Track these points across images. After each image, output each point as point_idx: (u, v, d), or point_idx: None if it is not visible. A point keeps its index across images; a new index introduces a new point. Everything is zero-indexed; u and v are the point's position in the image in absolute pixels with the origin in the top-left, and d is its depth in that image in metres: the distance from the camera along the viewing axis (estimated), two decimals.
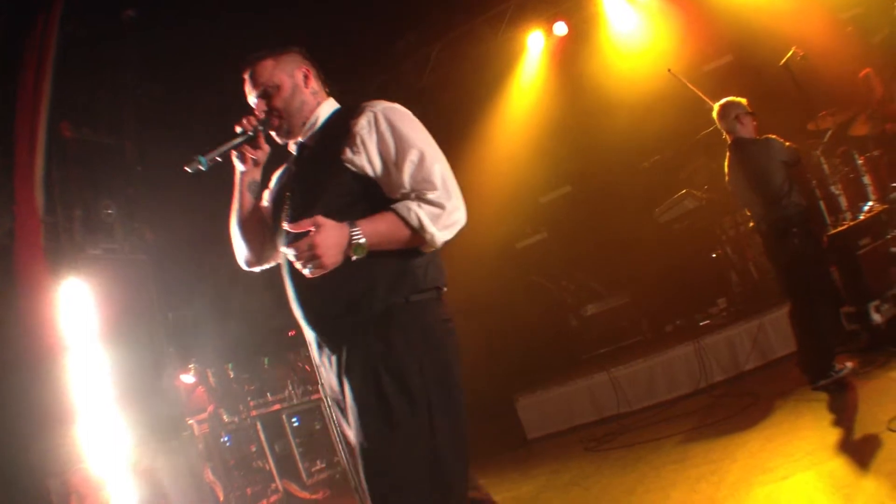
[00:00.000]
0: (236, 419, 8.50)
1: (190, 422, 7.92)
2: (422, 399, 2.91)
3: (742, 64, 10.46)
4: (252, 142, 3.31)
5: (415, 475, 2.85)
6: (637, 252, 10.33)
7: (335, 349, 3.09)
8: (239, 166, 3.38)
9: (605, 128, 10.81)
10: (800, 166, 6.87)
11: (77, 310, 6.92)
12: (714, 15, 10.34)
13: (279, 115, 3.32)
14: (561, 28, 11.06)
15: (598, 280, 10.81)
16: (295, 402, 8.92)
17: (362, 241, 2.89)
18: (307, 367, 8.47)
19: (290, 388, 8.98)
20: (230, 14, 7.96)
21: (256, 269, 3.61)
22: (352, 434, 3.02)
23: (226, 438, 8.46)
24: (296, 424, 8.84)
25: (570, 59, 11.30)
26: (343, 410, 3.16)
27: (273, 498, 8.21)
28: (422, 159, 3.04)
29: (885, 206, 7.45)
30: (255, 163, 3.38)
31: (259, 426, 8.58)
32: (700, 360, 7.91)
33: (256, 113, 3.34)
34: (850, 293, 7.08)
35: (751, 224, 7.45)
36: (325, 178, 3.14)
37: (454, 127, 10.50)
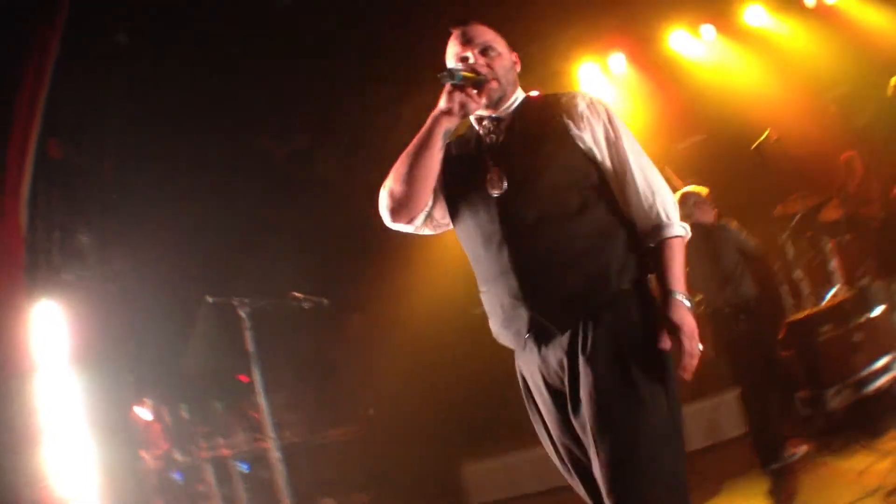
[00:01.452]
0: (188, 459, 8.43)
1: (144, 455, 7.93)
2: (666, 382, 2.93)
3: (715, 143, 10.34)
4: (481, 86, 3.05)
5: (658, 452, 2.81)
6: None
7: (566, 328, 2.95)
8: (445, 105, 3.03)
9: None
10: (755, 255, 6.92)
11: (49, 333, 6.93)
12: (690, 92, 10.32)
13: (496, 79, 3.13)
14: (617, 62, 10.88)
15: None
16: (244, 448, 8.76)
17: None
18: (256, 414, 8.42)
19: (241, 433, 8.84)
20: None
21: (404, 227, 3.24)
22: (587, 418, 2.85)
23: (178, 476, 8.39)
24: (245, 471, 8.70)
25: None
26: (559, 397, 3.01)
27: None
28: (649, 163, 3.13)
29: (852, 293, 7.43)
30: (465, 112, 3.06)
31: (209, 468, 8.46)
32: None
33: (477, 66, 3.11)
34: (807, 379, 7.07)
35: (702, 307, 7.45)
36: (551, 150, 3.05)
37: None
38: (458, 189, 3.17)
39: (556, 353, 2.96)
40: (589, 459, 2.88)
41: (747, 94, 9.78)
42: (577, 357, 2.89)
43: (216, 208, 8.94)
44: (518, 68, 3.29)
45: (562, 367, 2.94)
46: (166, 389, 8.77)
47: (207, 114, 8.40)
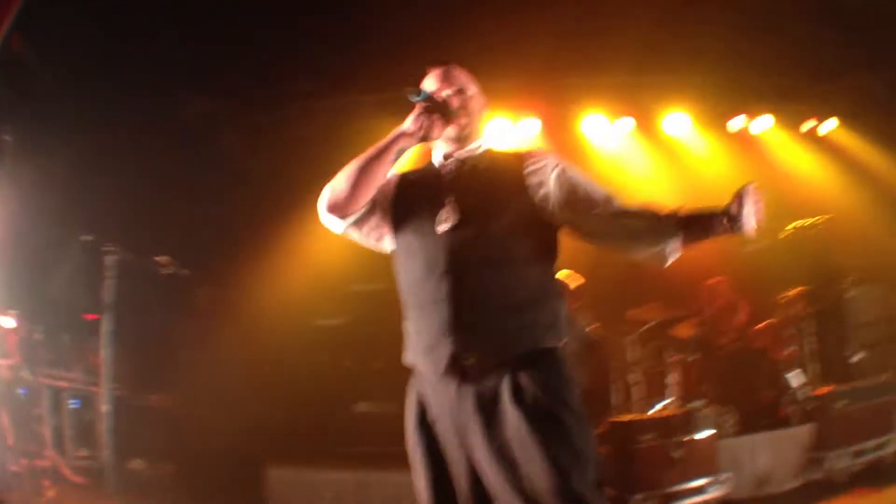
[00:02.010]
0: (32, 380, 8.47)
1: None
2: (577, 440, 3.00)
3: None
4: (446, 116, 3.30)
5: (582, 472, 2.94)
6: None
7: (488, 372, 3.08)
8: (410, 125, 3.27)
9: None
10: (594, 349, 6.93)
11: None
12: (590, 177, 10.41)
13: (466, 119, 3.38)
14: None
15: (378, 381, 10.31)
16: (79, 386, 8.84)
17: None
18: (94, 359, 8.19)
19: (79, 372, 8.94)
20: None
21: (334, 223, 3.41)
22: (498, 464, 2.98)
23: (22, 392, 8.45)
24: (75, 407, 8.82)
25: None
26: (464, 435, 3.09)
27: (42, 463, 8.07)
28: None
29: (682, 411, 7.48)
30: (424, 136, 3.28)
31: (46, 395, 8.54)
32: None
33: (449, 101, 3.36)
34: (616, 479, 7.04)
35: None
36: (506, 198, 3.23)
37: (288, 194, 10.12)
38: (409, 214, 3.33)
39: (474, 393, 3.06)
40: (480, 496, 3.04)
41: (645, 194, 9.75)
42: (498, 403, 3.02)
43: (125, 159, 8.97)
44: (483, 117, 3.54)
45: (478, 408, 3.04)
46: (30, 308, 8.65)
47: (129, 70, 8.41)
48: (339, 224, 3.35)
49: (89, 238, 6.78)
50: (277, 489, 8.32)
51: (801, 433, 8.00)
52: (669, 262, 3.21)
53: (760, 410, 8.42)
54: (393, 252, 3.42)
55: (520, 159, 3.32)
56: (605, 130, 10.92)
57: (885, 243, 11.09)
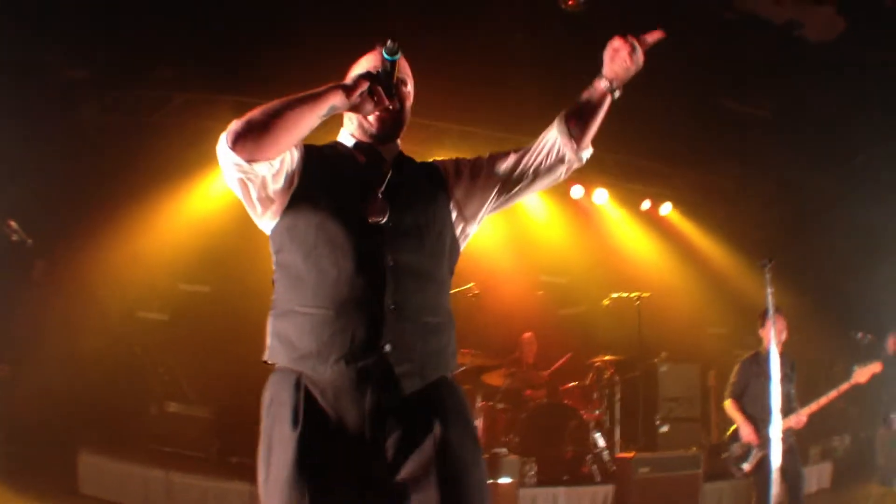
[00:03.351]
0: None
1: None
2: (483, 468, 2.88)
3: None
4: (389, 95, 2.87)
5: None
6: (235, 378, 9.43)
7: (412, 388, 2.80)
8: (350, 85, 2.82)
9: (270, 258, 10.23)
10: None
11: None
12: None
13: (400, 112, 3.03)
14: None
15: (193, 384, 10.33)
16: None
17: None
18: None
19: None
20: None
21: (237, 165, 2.73)
22: (419, 480, 2.71)
23: None
24: None
25: None
26: (370, 446, 2.75)
27: None
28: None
29: (487, 456, 7.38)
30: (358, 107, 2.86)
31: None
32: None
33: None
34: None
35: None
36: (435, 213, 3.00)
37: (136, 183, 9.79)
38: (326, 195, 2.89)
39: (398, 407, 2.77)
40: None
41: (482, 250, 10.00)
42: (424, 422, 2.78)
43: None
44: None
45: (400, 422, 2.77)
46: None
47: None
48: (240, 166, 2.73)
49: None
50: (89, 476, 8.15)
51: (602, 492, 8.25)
52: (584, 157, 3.01)
53: (563, 465, 8.65)
54: (284, 232, 2.91)
55: (434, 168, 3.14)
56: None
57: (697, 327, 11.63)
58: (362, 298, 2.76)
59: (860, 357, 7.68)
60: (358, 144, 3.04)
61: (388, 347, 2.73)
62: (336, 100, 2.77)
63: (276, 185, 2.83)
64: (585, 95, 2.94)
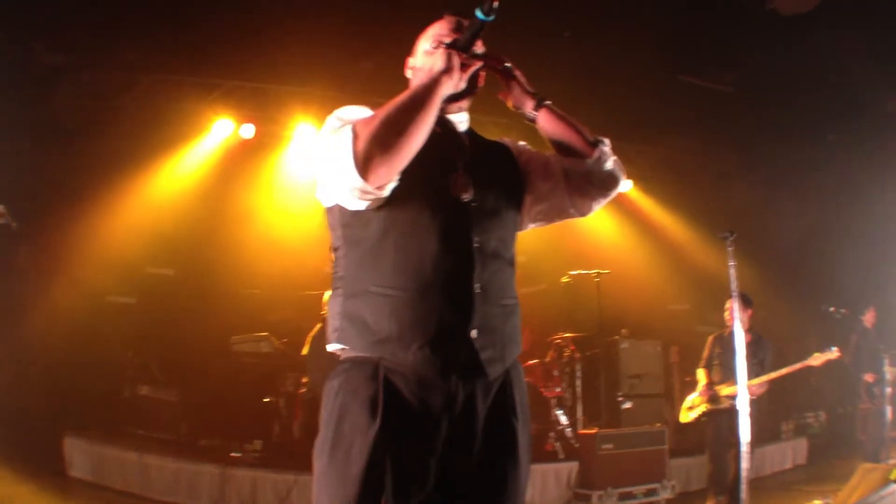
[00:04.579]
0: None
1: None
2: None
3: None
4: (471, 56, 2.68)
5: None
6: (203, 362, 9.98)
7: (495, 373, 2.69)
8: (445, 63, 2.60)
9: (237, 242, 10.38)
10: None
11: None
12: None
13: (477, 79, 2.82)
14: (248, 130, 10.44)
15: (161, 368, 10.35)
16: None
17: None
18: None
19: None
20: None
21: (366, 195, 2.51)
22: (487, 468, 2.65)
23: None
24: None
25: (243, 161, 10.71)
26: (447, 431, 2.60)
27: None
28: None
29: None
30: (471, 87, 2.75)
31: None
32: (222, 488, 7.68)
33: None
34: None
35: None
36: (512, 187, 2.88)
37: (104, 166, 9.74)
38: (414, 170, 2.57)
39: (473, 393, 2.64)
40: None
41: None
42: (500, 408, 2.70)
43: None
44: None
45: (472, 408, 2.64)
46: None
47: None
48: (368, 192, 2.50)
49: None
50: (75, 459, 8.24)
51: (566, 469, 8.27)
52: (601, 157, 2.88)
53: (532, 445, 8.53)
54: (366, 211, 2.63)
55: (505, 147, 3.00)
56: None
57: (658, 304, 11.68)
58: (449, 280, 2.60)
59: (834, 331, 7.78)
60: (440, 116, 2.76)
61: (474, 333, 2.61)
62: (448, 88, 2.61)
63: None
64: (545, 134, 2.89)
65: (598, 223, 11.85)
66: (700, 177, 12.37)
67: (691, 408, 7.80)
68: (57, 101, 9.31)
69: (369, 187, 2.44)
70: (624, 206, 11.88)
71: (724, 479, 7.39)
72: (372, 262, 2.61)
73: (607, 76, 9.07)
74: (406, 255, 2.59)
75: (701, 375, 7.81)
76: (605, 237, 11.95)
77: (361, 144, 2.40)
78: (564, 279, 9.95)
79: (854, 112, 10.04)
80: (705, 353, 7.90)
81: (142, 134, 9.94)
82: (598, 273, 9.76)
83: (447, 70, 2.58)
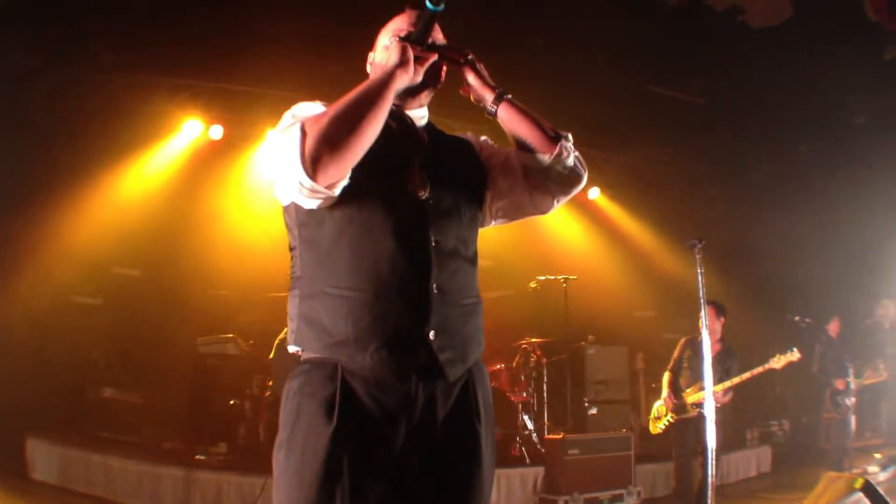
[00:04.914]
0: None
1: None
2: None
3: None
4: (426, 48, 2.66)
5: None
6: (168, 364, 9.91)
7: (456, 376, 2.65)
8: (399, 57, 2.57)
9: (205, 243, 10.33)
10: None
11: None
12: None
13: (440, 74, 2.80)
14: (217, 132, 10.39)
15: (126, 369, 10.25)
16: None
17: None
18: None
19: None
20: None
21: (316, 194, 2.46)
22: (445, 470, 2.61)
23: None
24: None
25: (212, 163, 10.64)
26: (404, 436, 2.57)
27: None
28: None
29: None
30: (430, 80, 2.72)
31: None
32: (186, 490, 7.63)
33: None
34: None
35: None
36: (470, 181, 2.83)
37: (74, 165, 9.69)
38: (364, 161, 2.51)
39: (434, 395, 2.61)
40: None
41: None
42: (462, 410, 2.67)
43: None
44: None
45: (432, 411, 2.60)
46: None
47: None
48: (319, 192, 2.46)
49: None
50: (37, 461, 8.13)
51: (532, 474, 8.27)
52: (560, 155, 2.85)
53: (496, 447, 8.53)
54: (319, 210, 2.58)
55: (465, 142, 2.97)
56: None
57: (625, 310, 11.75)
58: (405, 281, 2.55)
59: (799, 340, 7.85)
60: (396, 111, 2.75)
61: (432, 334, 2.56)
62: (403, 82, 2.58)
63: None
64: (505, 128, 2.86)
65: (567, 229, 11.90)
66: (669, 185, 12.46)
67: (658, 418, 7.80)
68: (31, 101, 9.28)
69: (319, 186, 2.40)
70: (592, 213, 11.95)
71: (690, 487, 7.41)
72: (328, 262, 2.58)
73: (578, 84, 9.11)
74: (361, 255, 2.55)
75: (666, 379, 7.80)
76: (574, 243, 11.99)
77: (310, 143, 2.37)
78: (532, 284, 9.92)
79: (824, 124, 10.17)
80: (675, 355, 7.87)
81: (112, 133, 9.86)
82: (566, 279, 9.77)
83: (401, 64, 2.54)
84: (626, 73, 9.28)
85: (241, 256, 10.04)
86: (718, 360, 7.00)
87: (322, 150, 2.36)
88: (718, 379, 7.15)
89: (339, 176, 2.43)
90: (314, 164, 2.36)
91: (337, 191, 2.46)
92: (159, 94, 9.90)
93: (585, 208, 11.97)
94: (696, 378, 7.39)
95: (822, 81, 9.07)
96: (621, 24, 8.38)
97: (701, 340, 7.24)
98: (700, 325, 7.48)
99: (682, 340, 7.92)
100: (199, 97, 10.16)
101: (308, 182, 2.37)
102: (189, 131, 10.28)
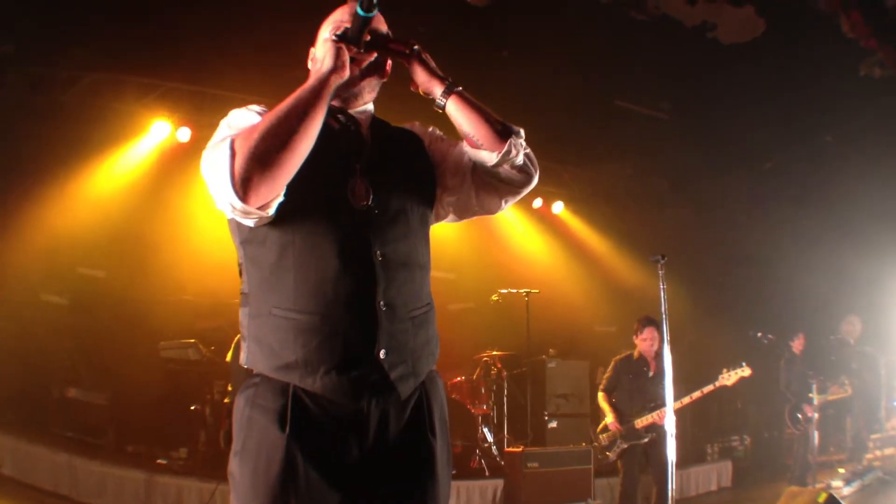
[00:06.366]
0: None
1: None
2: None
3: None
4: (360, 47, 2.51)
5: None
6: (131, 367, 9.83)
7: (408, 392, 2.56)
8: (334, 61, 2.43)
9: (170, 247, 10.26)
10: None
11: None
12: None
13: (383, 68, 2.70)
14: (184, 134, 10.28)
15: (90, 371, 10.21)
16: None
17: None
18: None
19: None
20: None
21: (250, 214, 2.34)
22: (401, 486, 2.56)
23: None
24: None
25: (179, 165, 10.54)
26: (358, 453, 2.50)
27: None
28: None
29: None
30: (367, 79, 2.63)
31: None
32: (148, 494, 7.68)
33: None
34: None
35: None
36: (419, 187, 2.70)
37: (41, 162, 9.63)
38: (305, 176, 2.40)
39: (387, 411, 2.54)
40: None
41: None
42: (416, 424, 2.61)
43: None
44: None
45: (385, 427, 2.54)
46: None
47: None
48: (252, 213, 2.35)
49: None
50: (6, 457, 8.08)
51: (491, 486, 8.28)
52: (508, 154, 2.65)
53: (452, 459, 8.55)
54: (256, 227, 2.48)
55: (413, 135, 2.82)
56: None
57: (586, 325, 11.79)
58: (351, 300, 2.46)
59: (762, 356, 7.88)
60: (333, 111, 2.60)
61: (382, 353, 2.48)
62: (337, 82, 2.43)
63: None
64: (454, 122, 2.67)
65: (530, 243, 11.97)
66: (632, 200, 12.50)
67: (608, 446, 7.70)
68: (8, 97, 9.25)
69: (251, 208, 2.29)
70: (556, 227, 12.01)
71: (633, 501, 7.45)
72: (272, 282, 2.49)
73: (543, 97, 9.11)
74: (306, 274, 2.46)
75: (604, 400, 7.74)
76: (537, 257, 12.03)
77: (239, 162, 2.25)
78: (494, 297, 9.88)
79: (792, 141, 10.25)
80: (608, 375, 7.82)
81: (81, 131, 9.76)
82: (528, 292, 9.78)
83: (335, 69, 2.42)
84: (593, 87, 9.30)
85: (205, 262, 9.90)
86: (659, 380, 6.87)
87: (252, 169, 2.24)
88: (652, 395, 7.27)
89: (272, 195, 2.32)
90: (244, 184, 2.24)
91: (271, 210, 2.35)
92: (128, 92, 9.83)
93: (549, 222, 12.05)
94: (643, 401, 7.39)
95: (792, 97, 9.14)
96: (589, 38, 8.39)
97: (639, 358, 7.61)
98: (639, 341, 7.62)
99: (614, 360, 7.86)
100: (167, 97, 10.09)
101: (239, 204, 2.26)
102: (157, 133, 10.18)
